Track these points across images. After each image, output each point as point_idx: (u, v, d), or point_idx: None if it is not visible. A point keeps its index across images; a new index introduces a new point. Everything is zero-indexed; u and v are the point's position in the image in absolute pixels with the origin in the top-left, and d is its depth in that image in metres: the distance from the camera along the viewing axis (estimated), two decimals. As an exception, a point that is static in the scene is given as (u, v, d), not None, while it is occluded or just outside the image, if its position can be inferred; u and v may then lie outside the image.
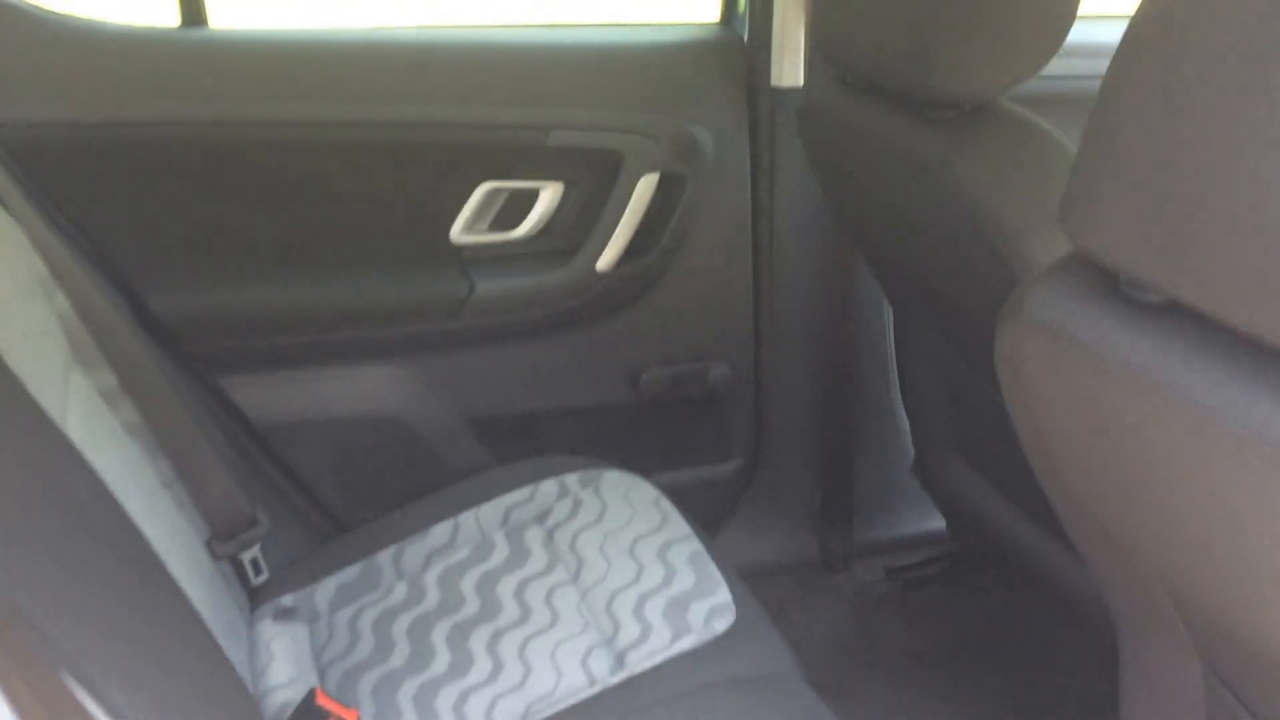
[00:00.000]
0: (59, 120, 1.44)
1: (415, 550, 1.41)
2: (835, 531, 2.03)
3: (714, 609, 1.26)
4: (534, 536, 1.40)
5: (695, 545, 1.37)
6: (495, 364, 1.74)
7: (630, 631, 1.24)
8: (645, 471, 1.63)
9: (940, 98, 1.16)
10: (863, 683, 1.79)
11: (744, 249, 1.79)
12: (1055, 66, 1.13)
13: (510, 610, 1.29)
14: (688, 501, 1.51)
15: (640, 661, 1.19)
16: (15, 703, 0.53)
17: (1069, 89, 1.55)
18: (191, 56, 1.50)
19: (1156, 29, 0.65)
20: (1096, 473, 0.80)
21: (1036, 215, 1.11)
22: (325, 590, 1.37)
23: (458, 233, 1.64)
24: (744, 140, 1.73)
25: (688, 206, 1.70)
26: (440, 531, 1.42)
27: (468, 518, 1.44)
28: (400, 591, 1.35)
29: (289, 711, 1.11)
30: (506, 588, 1.32)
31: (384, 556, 1.40)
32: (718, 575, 1.31)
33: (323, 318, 1.63)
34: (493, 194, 1.63)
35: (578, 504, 1.45)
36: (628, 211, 1.66)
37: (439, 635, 1.27)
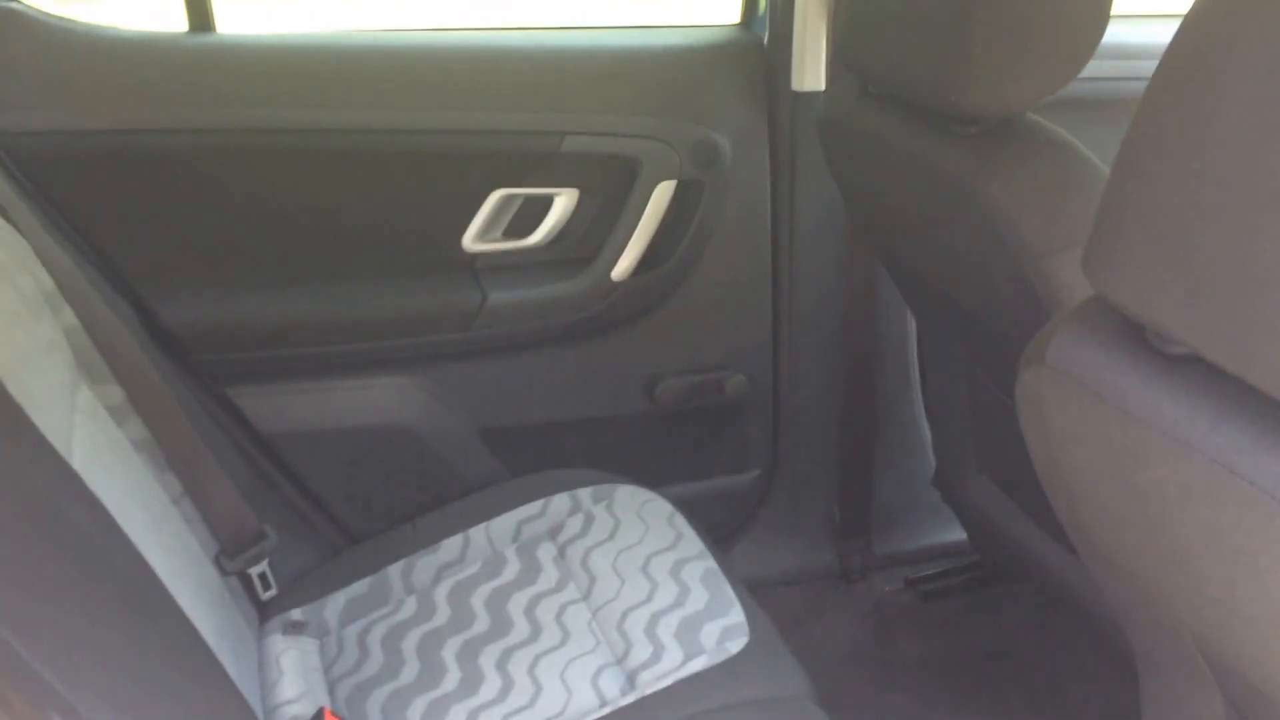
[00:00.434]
0: (64, 128, 1.43)
1: (425, 565, 1.40)
2: (854, 542, 2.01)
3: (727, 630, 1.25)
4: (546, 552, 1.39)
5: (709, 563, 1.35)
6: (508, 374, 1.73)
7: (642, 651, 1.23)
8: (662, 482, 1.62)
9: (966, 112, 1.14)
10: (879, 695, 1.78)
11: (763, 256, 1.77)
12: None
13: (521, 627, 1.28)
14: (704, 512, 1.49)
15: (652, 683, 1.19)
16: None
17: (1092, 91, 1.52)
18: (199, 63, 1.49)
19: (1181, 81, 0.64)
20: (1115, 519, 0.79)
21: (1064, 238, 1.09)
22: (334, 604, 1.36)
23: (470, 241, 1.62)
24: (763, 146, 1.71)
25: (706, 214, 1.68)
26: (451, 546, 1.42)
27: (478, 532, 1.43)
28: (410, 607, 1.34)
29: (297, 728, 1.11)
30: (517, 604, 1.31)
31: (394, 571, 1.40)
32: (731, 595, 1.30)
33: (333, 328, 1.62)
34: (506, 201, 1.61)
35: (590, 519, 1.43)
36: (644, 219, 1.64)
37: (449, 652, 1.26)
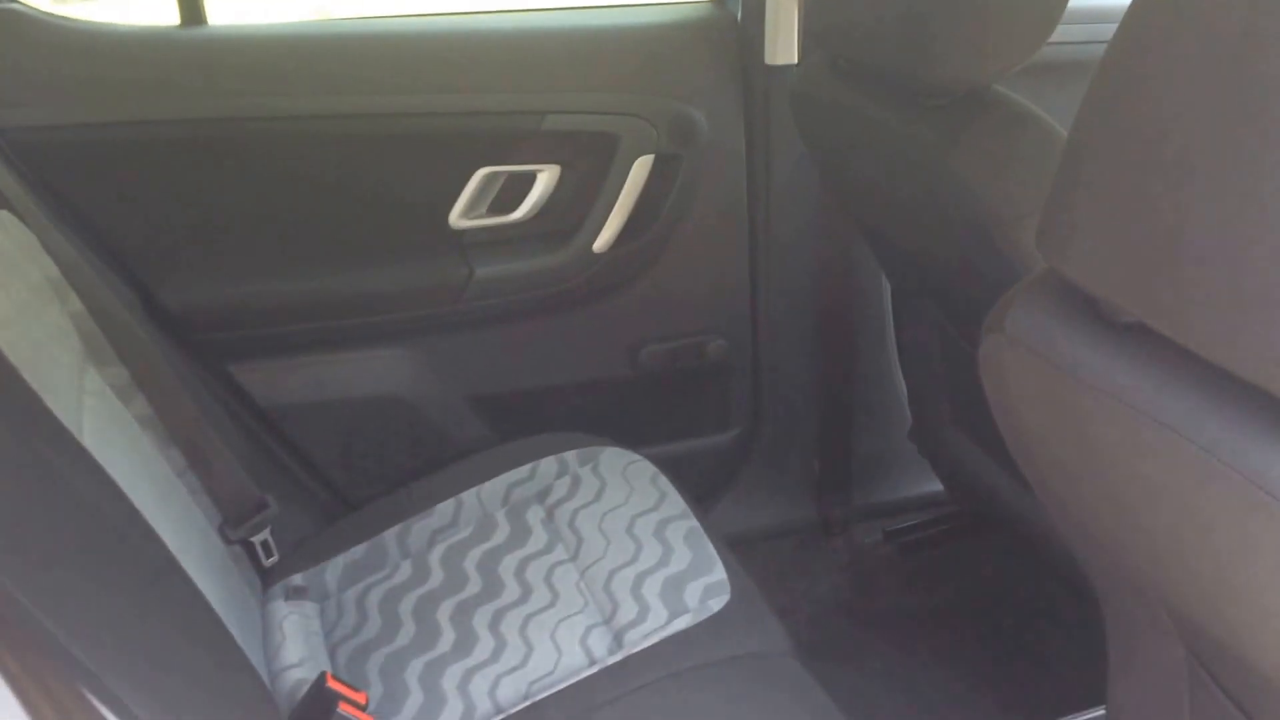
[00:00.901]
0: (65, 122, 1.47)
1: (420, 529, 1.44)
2: (834, 496, 2.05)
3: (709, 587, 1.29)
4: (534, 515, 1.44)
5: (691, 523, 1.39)
6: (496, 344, 1.77)
7: (628, 611, 1.27)
8: (647, 442, 1.65)
9: (933, 85, 1.17)
10: (860, 644, 1.82)
11: (740, 226, 1.81)
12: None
13: (512, 589, 1.33)
14: (689, 471, 1.52)
15: (637, 641, 1.22)
16: (31, 710, 0.56)
17: (1068, 55, 1.55)
18: (192, 55, 1.52)
19: (1132, 58, 0.66)
20: (1071, 476, 0.82)
21: (1030, 204, 1.12)
22: (334, 569, 1.40)
23: (456, 218, 1.65)
24: (739, 119, 1.73)
25: (684, 186, 1.72)
26: (443, 510, 1.46)
27: (470, 496, 1.47)
28: (406, 570, 1.39)
29: (302, 690, 1.15)
30: (508, 567, 1.36)
31: (390, 535, 1.44)
32: (713, 553, 1.34)
33: (327, 304, 1.66)
34: (490, 179, 1.64)
35: (576, 481, 1.47)
36: (624, 193, 1.68)
37: (443, 614, 1.31)
